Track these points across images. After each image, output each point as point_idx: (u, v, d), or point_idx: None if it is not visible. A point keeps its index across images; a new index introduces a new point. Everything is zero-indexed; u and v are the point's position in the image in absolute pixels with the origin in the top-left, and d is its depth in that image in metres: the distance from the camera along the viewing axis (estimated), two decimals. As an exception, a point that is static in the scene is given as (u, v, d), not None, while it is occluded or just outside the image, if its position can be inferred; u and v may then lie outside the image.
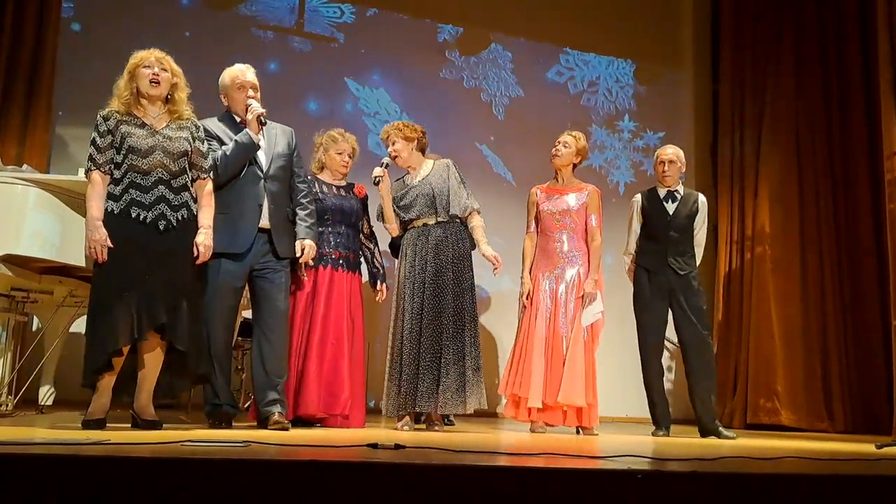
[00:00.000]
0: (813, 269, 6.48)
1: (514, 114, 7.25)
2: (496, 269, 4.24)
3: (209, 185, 3.41)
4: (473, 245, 4.34)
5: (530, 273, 4.62)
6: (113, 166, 3.20)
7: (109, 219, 3.15)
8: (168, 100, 3.34)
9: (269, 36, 6.74)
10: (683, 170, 4.81)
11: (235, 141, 3.66)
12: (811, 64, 6.76)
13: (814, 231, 6.55)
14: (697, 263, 4.72)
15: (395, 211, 4.31)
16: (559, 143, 4.69)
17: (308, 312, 4.08)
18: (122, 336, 3.06)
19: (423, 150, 4.40)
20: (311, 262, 3.98)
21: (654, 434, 4.51)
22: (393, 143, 4.31)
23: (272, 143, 3.82)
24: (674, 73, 7.83)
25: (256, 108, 3.71)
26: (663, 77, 7.79)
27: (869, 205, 6.31)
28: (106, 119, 3.24)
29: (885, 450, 3.46)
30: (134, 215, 3.15)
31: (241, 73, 3.80)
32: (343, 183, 4.37)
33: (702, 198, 4.78)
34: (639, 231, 4.76)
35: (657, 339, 4.63)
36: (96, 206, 3.15)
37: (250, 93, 3.77)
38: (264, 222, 3.70)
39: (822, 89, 6.71)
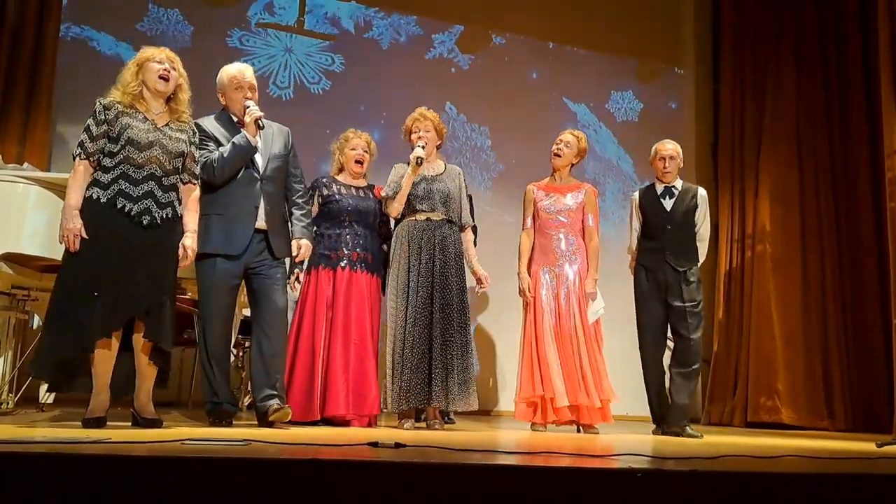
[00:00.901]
0: (813, 268, 6.48)
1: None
2: (483, 286, 4.36)
3: (197, 192, 3.42)
4: None
5: (528, 269, 4.63)
6: (103, 155, 3.16)
7: (94, 206, 3.10)
8: (170, 99, 3.34)
9: (269, 35, 6.76)
10: (681, 165, 4.71)
11: (233, 143, 3.64)
12: (811, 63, 6.76)
13: (814, 230, 6.55)
14: (702, 259, 4.62)
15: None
16: (561, 142, 4.68)
17: (328, 314, 4.08)
18: (95, 332, 3.02)
19: (437, 149, 4.45)
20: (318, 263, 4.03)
21: (654, 433, 4.51)
22: (427, 130, 4.29)
23: (269, 144, 3.81)
24: (675, 71, 7.83)
25: (255, 111, 3.68)
26: (664, 76, 7.79)
27: (870, 203, 6.31)
28: (106, 108, 3.20)
29: (886, 448, 3.46)
30: (120, 206, 3.11)
31: (239, 72, 3.77)
32: (363, 184, 4.36)
33: (701, 191, 4.67)
34: (639, 229, 4.68)
35: (656, 337, 4.56)
36: (75, 195, 3.10)
37: (248, 94, 3.75)
38: (260, 223, 3.69)
39: (822, 88, 6.71)
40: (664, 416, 4.50)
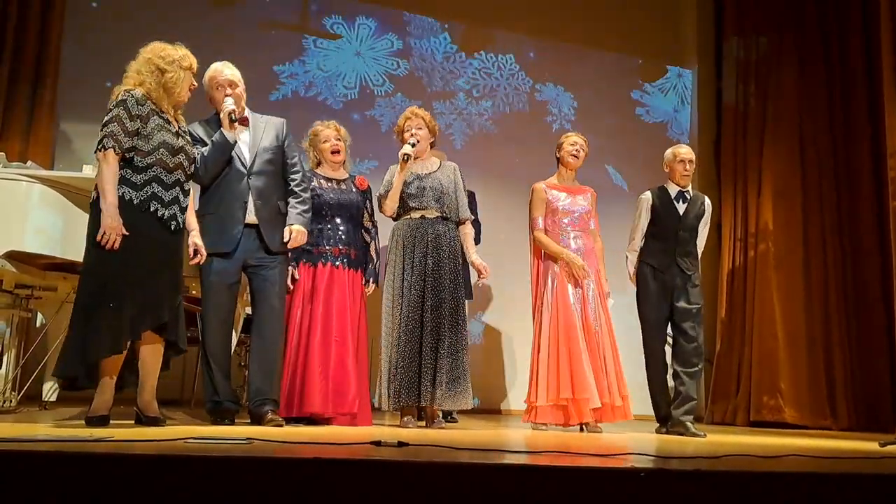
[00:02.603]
0: (816, 267, 6.47)
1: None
2: (482, 277, 4.31)
3: (192, 194, 3.46)
4: None
5: (547, 268, 4.60)
6: (136, 153, 3.11)
7: (126, 207, 3.06)
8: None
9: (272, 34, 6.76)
10: (694, 170, 4.75)
11: (212, 141, 3.64)
12: (813, 62, 6.76)
13: (817, 228, 6.54)
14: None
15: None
16: (577, 145, 4.70)
17: (307, 311, 4.04)
18: (126, 334, 3.02)
19: (431, 147, 4.43)
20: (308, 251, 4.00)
21: (657, 431, 4.51)
22: (419, 128, 4.28)
23: (258, 138, 3.80)
24: (678, 70, 7.82)
25: (228, 105, 3.66)
26: (667, 74, 7.78)
27: (872, 202, 6.31)
28: (139, 102, 3.12)
29: (889, 448, 3.45)
30: (153, 209, 3.12)
31: (217, 72, 3.76)
32: (343, 176, 4.32)
33: (707, 200, 4.77)
34: (645, 229, 4.70)
35: (662, 334, 4.61)
36: (113, 190, 3.03)
37: (227, 90, 3.72)
38: (251, 218, 3.70)
39: (824, 87, 6.70)
40: (668, 414, 4.50)
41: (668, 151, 4.78)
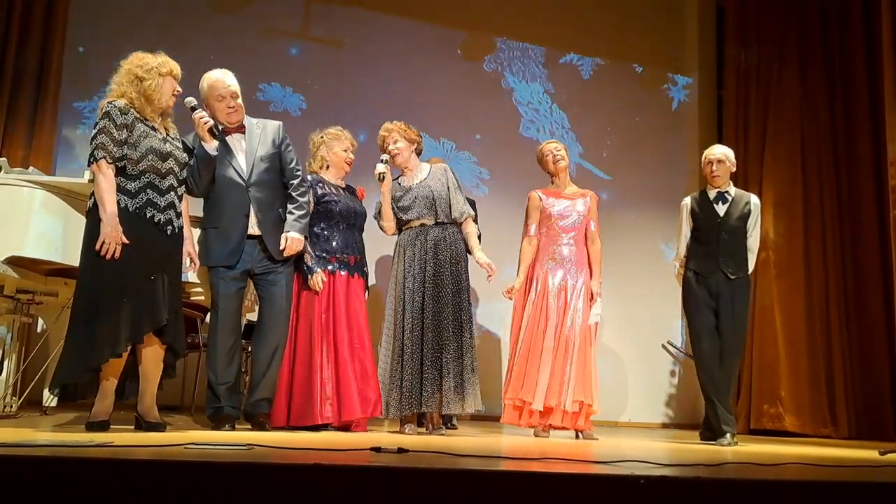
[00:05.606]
0: (817, 275, 6.47)
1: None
2: (490, 276, 4.24)
3: (185, 199, 3.48)
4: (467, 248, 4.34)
5: (532, 271, 4.59)
6: (127, 162, 3.14)
7: (123, 215, 3.09)
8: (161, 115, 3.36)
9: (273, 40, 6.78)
10: (734, 169, 4.63)
11: (195, 156, 3.59)
12: (815, 72, 6.76)
13: (818, 237, 6.54)
14: (751, 269, 4.57)
15: (393, 210, 4.28)
16: (555, 151, 4.67)
17: (329, 319, 4.04)
18: (124, 338, 3.04)
19: (419, 154, 4.41)
20: (313, 267, 3.99)
21: (719, 443, 4.26)
22: (395, 142, 4.28)
23: (253, 147, 3.78)
24: (678, 78, 7.82)
25: (202, 120, 3.53)
26: (668, 83, 7.78)
27: (873, 211, 6.31)
28: (123, 112, 3.15)
29: (889, 456, 3.45)
30: (149, 215, 3.14)
31: (219, 81, 3.72)
32: (343, 184, 4.34)
33: (754, 199, 4.62)
34: (689, 235, 4.59)
35: (713, 342, 4.42)
36: (112, 200, 3.06)
37: (230, 101, 3.69)
38: (253, 230, 3.71)
39: (826, 96, 6.71)
40: (715, 424, 4.38)
41: (704, 154, 4.70)
